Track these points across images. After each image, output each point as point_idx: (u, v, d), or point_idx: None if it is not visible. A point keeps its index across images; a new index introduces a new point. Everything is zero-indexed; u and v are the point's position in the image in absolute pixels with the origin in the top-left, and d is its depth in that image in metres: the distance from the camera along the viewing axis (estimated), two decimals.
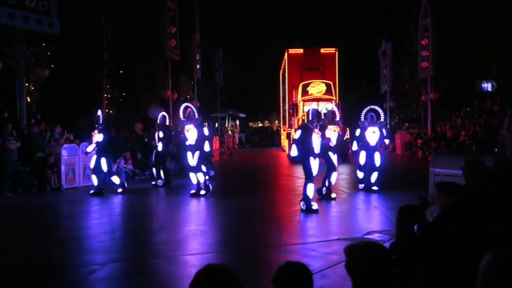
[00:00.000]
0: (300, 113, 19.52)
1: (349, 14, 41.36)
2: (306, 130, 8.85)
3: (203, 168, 10.92)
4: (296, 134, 9.11)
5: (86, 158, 12.60)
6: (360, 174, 11.34)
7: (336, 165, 10.42)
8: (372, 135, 11.03)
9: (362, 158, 11.08)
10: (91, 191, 11.35)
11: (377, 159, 11.02)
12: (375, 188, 11.04)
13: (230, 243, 7.02)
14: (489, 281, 1.76)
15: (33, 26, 13.65)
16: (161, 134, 13.03)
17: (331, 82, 20.53)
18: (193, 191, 10.87)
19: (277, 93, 30.03)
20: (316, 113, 8.97)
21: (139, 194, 12.24)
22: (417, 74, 27.30)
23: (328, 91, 20.20)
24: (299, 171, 13.88)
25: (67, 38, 17.24)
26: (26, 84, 15.75)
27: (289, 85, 22.17)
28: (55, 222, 8.91)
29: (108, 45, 19.34)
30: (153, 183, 13.01)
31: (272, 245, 6.77)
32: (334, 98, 20.00)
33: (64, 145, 12.90)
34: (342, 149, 13.68)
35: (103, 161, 11.28)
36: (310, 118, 8.96)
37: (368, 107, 11.33)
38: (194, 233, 7.67)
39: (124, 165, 14.53)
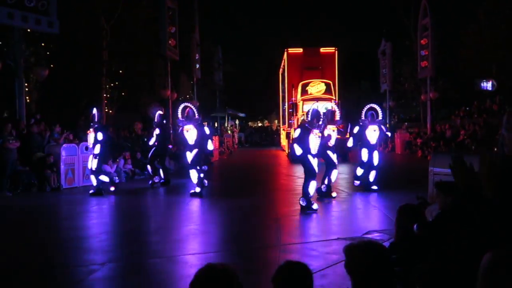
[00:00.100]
0: (300, 113, 19.51)
1: (348, 13, 41.37)
2: (304, 130, 8.85)
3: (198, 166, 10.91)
4: (296, 133, 9.11)
5: (86, 158, 12.59)
6: (360, 171, 11.35)
7: (336, 163, 10.42)
8: (373, 133, 11.08)
9: (365, 155, 11.08)
10: (91, 191, 11.34)
11: (376, 157, 11.06)
12: (374, 187, 11.06)
13: (229, 242, 7.02)
14: (490, 280, 1.76)
15: (33, 26, 13.64)
16: (157, 131, 13.07)
17: (330, 82, 20.52)
18: (192, 191, 10.86)
19: (276, 92, 30.02)
20: (316, 113, 8.94)
21: (139, 194, 12.25)
22: (417, 74, 27.31)
23: (328, 90, 20.19)
24: (298, 170, 13.89)
25: (66, 38, 17.23)
26: (26, 84, 15.73)
27: (288, 85, 22.17)
28: (55, 222, 8.90)
29: (107, 45, 19.32)
30: (150, 182, 13.01)
31: (271, 245, 6.77)
32: (334, 98, 19.99)
33: (64, 145, 12.89)
34: (342, 148, 13.64)
35: (95, 159, 11.25)
36: (309, 119, 8.95)
37: (368, 106, 11.36)
38: (194, 232, 7.67)
39: (124, 165, 14.56)
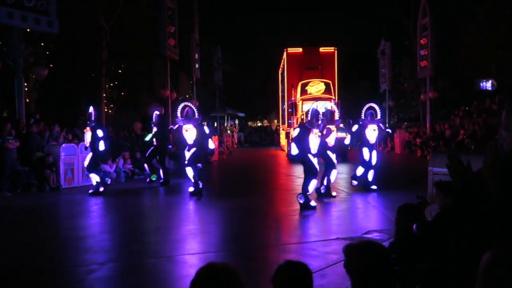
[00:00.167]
0: (299, 112, 19.51)
1: (348, 13, 41.41)
2: (304, 129, 8.86)
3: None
4: (295, 133, 9.13)
5: (85, 158, 12.56)
6: (360, 171, 11.21)
7: (336, 163, 10.41)
8: (373, 133, 11.09)
9: (366, 154, 11.03)
10: (90, 191, 11.34)
11: (374, 157, 11.07)
12: (373, 187, 11.06)
13: (229, 242, 7.02)
14: (489, 280, 1.76)
15: (32, 25, 13.64)
16: (154, 129, 13.20)
17: (330, 81, 20.52)
18: (191, 189, 10.85)
19: (276, 92, 30.02)
20: (316, 113, 8.96)
21: (138, 193, 12.25)
22: (416, 73, 27.31)
23: (327, 90, 20.19)
24: (298, 170, 13.89)
25: (66, 37, 17.22)
26: (25, 84, 15.72)
27: (288, 84, 22.16)
28: (54, 222, 8.90)
29: (107, 45, 19.30)
30: (148, 180, 13.05)
31: (271, 245, 6.77)
32: (333, 97, 19.98)
33: (63, 145, 12.89)
34: (341, 148, 13.68)
35: (89, 156, 11.22)
36: (309, 118, 8.97)
37: (368, 105, 11.36)
38: (193, 232, 7.67)
39: (123, 165, 14.56)
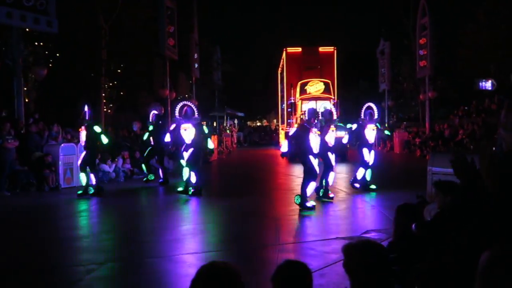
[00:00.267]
0: (299, 112, 19.52)
1: (347, 13, 41.42)
2: (303, 130, 8.85)
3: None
4: (291, 131, 9.14)
5: None
6: (360, 173, 11.07)
7: (334, 165, 10.35)
8: (371, 132, 11.09)
9: (367, 155, 11.00)
10: (89, 191, 11.32)
11: (372, 157, 11.08)
12: (372, 186, 11.07)
13: (228, 242, 7.02)
14: (488, 280, 1.76)
15: (31, 25, 13.62)
16: (150, 128, 13.22)
17: (329, 81, 20.53)
18: (192, 190, 10.83)
19: (275, 92, 30.01)
20: (313, 112, 8.96)
21: (137, 193, 12.25)
22: (415, 73, 27.31)
23: (327, 89, 20.19)
24: (297, 170, 13.90)
25: (65, 37, 17.21)
26: (24, 83, 15.70)
27: (287, 84, 22.17)
28: (53, 222, 8.89)
29: (106, 44, 19.30)
30: (145, 179, 13.06)
31: (270, 244, 6.77)
32: (333, 97, 20.00)
33: (62, 145, 12.88)
34: (340, 148, 13.67)
35: (86, 155, 11.13)
36: (307, 118, 8.97)
37: (366, 105, 11.36)
38: (192, 232, 7.67)
39: (122, 164, 14.55)
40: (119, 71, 21.78)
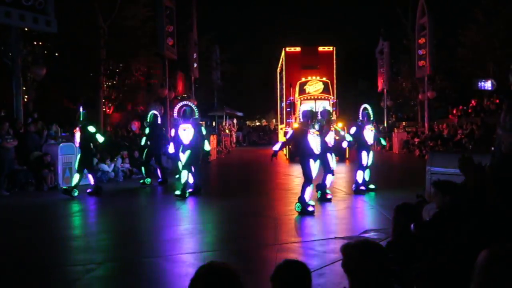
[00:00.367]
0: (298, 112, 19.52)
1: (347, 12, 41.42)
2: (300, 132, 8.80)
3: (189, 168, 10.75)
4: (288, 133, 9.12)
5: None
6: (360, 175, 10.96)
7: (332, 168, 10.31)
8: (370, 133, 11.09)
9: (365, 158, 10.95)
10: (88, 190, 11.31)
11: (371, 157, 11.08)
12: (371, 186, 11.07)
13: (227, 242, 7.02)
14: (485, 278, 1.76)
15: (30, 24, 13.58)
16: (147, 131, 13.13)
17: (328, 81, 20.52)
18: (190, 190, 10.83)
19: (274, 91, 30.00)
20: (308, 113, 8.92)
21: (136, 193, 12.25)
22: (414, 73, 27.33)
23: (326, 89, 20.19)
24: (296, 169, 13.89)
25: (64, 36, 17.18)
26: (23, 83, 15.68)
27: (286, 84, 22.16)
28: (52, 221, 8.88)
29: (105, 44, 19.28)
30: (141, 181, 13.00)
31: (269, 244, 6.77)
32: (332, 97, 19.99)
33: (61, 144, 12.87)
34: (339, 148, 13.59)
35: (81, 156, 11.06)
36: (302, 120, 8.96)
37: (363, 106, 11.36)
38: (191, 232, 7.66)
39: (121, 164, 14.54)
40: (117, 70, 21.75)
